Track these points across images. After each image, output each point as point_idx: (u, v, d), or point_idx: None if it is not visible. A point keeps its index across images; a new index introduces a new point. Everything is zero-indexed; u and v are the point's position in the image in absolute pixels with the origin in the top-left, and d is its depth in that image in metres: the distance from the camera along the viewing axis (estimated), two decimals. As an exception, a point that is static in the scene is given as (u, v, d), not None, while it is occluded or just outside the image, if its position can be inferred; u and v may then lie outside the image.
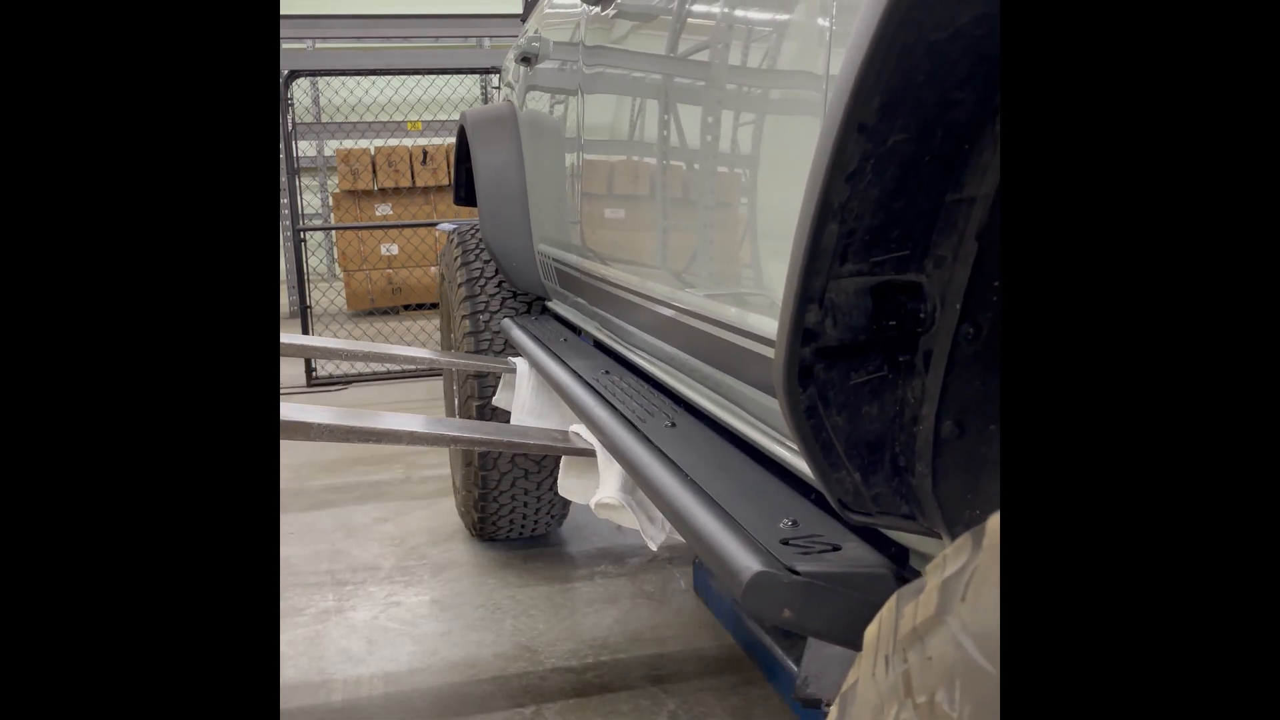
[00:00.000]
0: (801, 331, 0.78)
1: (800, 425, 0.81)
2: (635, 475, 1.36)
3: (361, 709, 2.04)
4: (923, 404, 0.82)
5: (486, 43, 9.57)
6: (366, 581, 2.67)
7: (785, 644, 1.95)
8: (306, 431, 1.66)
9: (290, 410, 1.71)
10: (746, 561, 0.93)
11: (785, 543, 0.98)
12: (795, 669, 1.82)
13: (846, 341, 0.79)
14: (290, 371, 5.08)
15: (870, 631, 0.59)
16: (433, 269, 7.26)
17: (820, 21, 0.98)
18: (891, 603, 0.57)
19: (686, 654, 2.21)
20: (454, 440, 1.83)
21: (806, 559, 0.94)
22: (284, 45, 8.37)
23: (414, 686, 2.12)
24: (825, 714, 0.68)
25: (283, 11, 6.54)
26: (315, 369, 5.18)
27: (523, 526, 2.75)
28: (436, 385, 4.94)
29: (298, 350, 2.55)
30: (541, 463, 2.55)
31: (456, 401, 2.81)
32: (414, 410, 4.54)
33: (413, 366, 5.24)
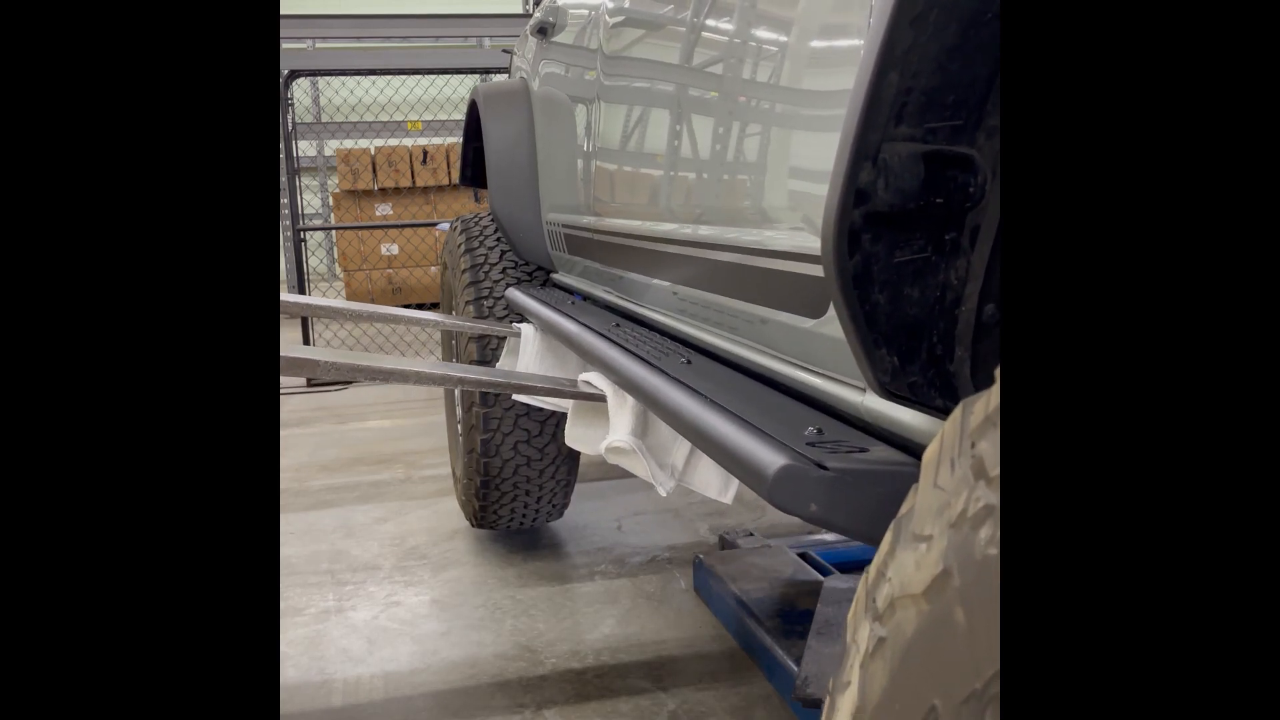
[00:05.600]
0: (854, 191, 0.76)
1: (847, 292, 0.80)
2: (653, 405, 1.33)
3: (361, 709, 2.03)
4: (966, 283, 0.81)
5: (486, 43, 9.58)
6: (366, 581, 2.67)
7: (785, 644, 1.95)
8: (313, 369, 1.63)
9: (294, 349, 1.68)
10: (773, 457, 0.93)
11: (811, 445, 0.98)
12: (795, 669, 1.82)
13: (896, 208, 0.78)
14: (290, 371, 5.07)
15: (930, 451, 0.59)
16: (433, 269, 7.26)
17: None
18: (956, 413, 0.57)
19: (686, 654, 2.21)
20: (460, 381, 1.81)
21: (834, 457, 0.93)
22: (284, 45, 8.37)
23: (414, 686, 2.12)
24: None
25: (283, 11, 6.54)
26: (315, 369, 5.18)
27: (524, 516, 2.73)
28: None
29: (297, 309, 2.53)
30: (544, 450, 2.54)
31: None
32: (414, 410, 4.54)
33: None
